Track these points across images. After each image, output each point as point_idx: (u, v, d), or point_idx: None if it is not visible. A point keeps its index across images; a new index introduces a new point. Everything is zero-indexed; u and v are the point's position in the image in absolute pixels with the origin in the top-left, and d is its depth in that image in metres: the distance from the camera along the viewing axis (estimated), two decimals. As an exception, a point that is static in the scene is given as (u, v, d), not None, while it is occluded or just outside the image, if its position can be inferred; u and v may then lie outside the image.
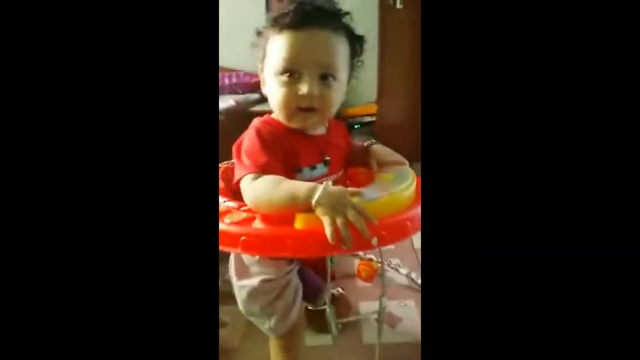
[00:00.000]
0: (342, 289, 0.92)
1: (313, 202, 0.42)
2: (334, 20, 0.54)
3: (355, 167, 0.69)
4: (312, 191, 0.43)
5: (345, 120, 2.23)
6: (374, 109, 2.16)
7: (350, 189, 0.47)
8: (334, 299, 0.90)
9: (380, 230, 0.43)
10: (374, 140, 0.68)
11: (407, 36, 1.94)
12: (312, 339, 0.78)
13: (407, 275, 1.02)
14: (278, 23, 0.52)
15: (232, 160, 0.60)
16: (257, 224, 0.45)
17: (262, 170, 0.50)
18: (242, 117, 1.56)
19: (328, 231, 0.40)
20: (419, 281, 0.99)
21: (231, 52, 2.20)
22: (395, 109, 2.10)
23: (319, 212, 0.42)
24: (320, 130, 0.61)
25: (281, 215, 0.46)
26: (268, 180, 0.49)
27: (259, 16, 2.26)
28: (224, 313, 0.88)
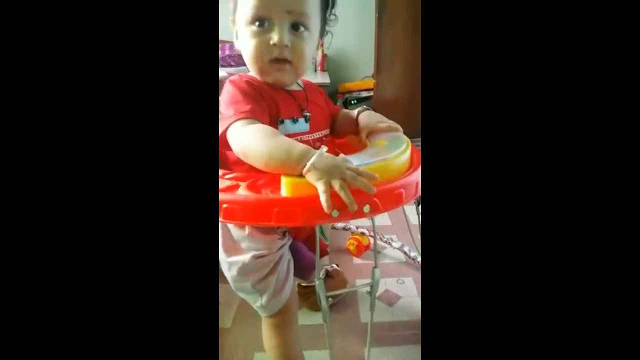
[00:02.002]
0: (337, 265, 0.90)
1: (308, 164, 0.39)
2: None
3: (345, 134, 0.66)
4: (307, 155, 0.40)
5: (341, 95, 2.18)
6: (370, 84, 2.10)
7: (343, 155, 0.44)
8: (329, 275, 0.89)
9: (372, 197, 0.40)
10: (365, 107, 0.65)
11: (405, 11, 1.87)
12: (306, 318, 0.76)
13: (400, 249, 1.01)
14: None
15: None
16: (242, 191, 0.42)
17: (250, 114, 0.47)
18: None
19: (323, 198, 0.38)
20: (412, 254, 0.97)
21: (225, 23, 2.13)
22: (393, 83, 2.05)
23: (311, 176, 0.39)
24: (296, 87, 0.59)
25: (268, 182, 0.43)
26: (261, 129, 0.46)
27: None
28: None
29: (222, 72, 1.44)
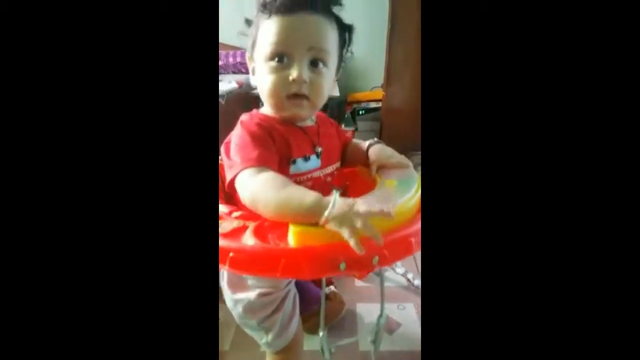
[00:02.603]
0: (335, 287, 0.90)
1: (325, 216, 0.39)
2: (325, 5, 0.51)
3: (355, 165, 0.66)
4: (320, 205, 0.40)
5: (350, 105, 2.17)
6: (379, 94, 2.09)
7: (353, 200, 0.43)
8: (327, 297, 0.88)
9: (381, 248, 0.40)
10: (377, 139, 0.64)
11: (417, 22, 1.86)
12: (304, 341, 0.76)
13: (404, 275, 1.00)
14: (267, 8, 0.50)
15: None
16: (248, 238, 0.42)
17: (257, 163, 0.47)
18: (245, 99, 1.51)
19: (352, 242, 0.37)
20: (416, 282, 0.96)
21: (236, 30, 2.14)
22: (402, 96, 2.03)
23: (332, 226, 0.39)
24: (310, 122, 0.59)
25: (275, 225, 0.43)
26: (270, 179, 0.45)
27: None
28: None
29: (232, 83, 1.44)
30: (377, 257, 0.40)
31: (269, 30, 0.50)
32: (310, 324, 0.81)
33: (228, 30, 2.12)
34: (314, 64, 0.51)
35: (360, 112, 2.16)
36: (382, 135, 2.11)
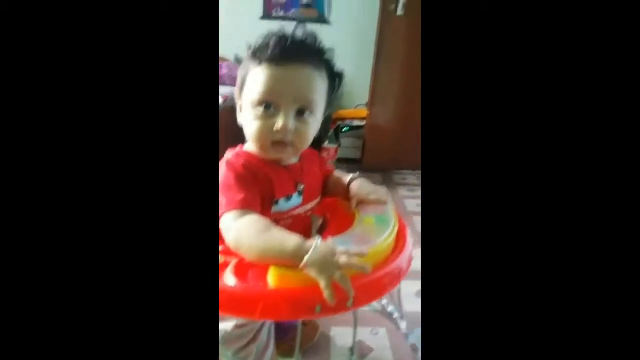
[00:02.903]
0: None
1: (305, 261, 0.40)
2: (316, 56, 0.53)
3: (335, 196, 0.67)
4: (301, 250, 0.41)
5: (334, 123, 2.21)
6: (363, 112, 2.14)
7: (338, 248, 0.43)
8: (302, 323, 0.90)
9: (355, 290, 0.42)
10: (358, 174, 0.66)
11: (404, 43, 1.92)
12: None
13: (378, 301, 1.02)
14: (257, 56, 0.51)
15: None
16: (229, 277, 0.43)
17: (241, 206, 0.48)
18: (230, 114, 1.52)
19: (327, 293, 0.39)
20: (389, 309, 0.99)
21: (222, 40, 2.14)
22: (386, 116, 2.09)
23: (310, 271, 0.40)
24: (294, 160, 0.60)
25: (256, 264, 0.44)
26: (253, 222, 0.46)
27: (254, 2, 2.19)
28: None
29: (219, 97, 1.44)
30: (351, 300, 0.42)
31: (258, 78, 0.51)
32: (284, 348, 0.82)
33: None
34: (300, 113, 0.52)
35: (344, 129, 2.20)
36: (365, 153, 2.15)
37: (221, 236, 0.52)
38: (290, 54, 0.50)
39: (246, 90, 0.53)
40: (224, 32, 2.26)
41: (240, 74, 0.55)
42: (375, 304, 1.02)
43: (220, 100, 1.43)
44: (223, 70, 1.92)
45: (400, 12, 1.82)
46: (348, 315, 0.97)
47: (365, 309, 1.02)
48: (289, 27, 0.53)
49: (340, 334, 0.91)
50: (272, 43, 0.50)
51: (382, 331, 0.94)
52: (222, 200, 0.49)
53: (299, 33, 0.52)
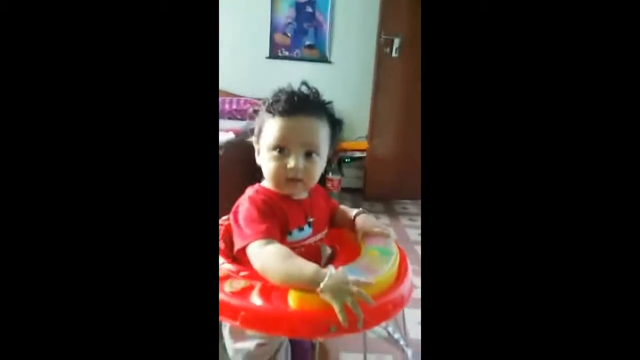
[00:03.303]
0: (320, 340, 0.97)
1: (321, 286, 0.48)
2: (318, 108, 0.65)
3: (342, 228, 0.76)
4: (318, 276, 0.49)
5: (336, 155, 2.31)
6: (364, 145, 2.25)
7: (350, 277, 0.51)
8: (313, 347, 0.95)
9: (364, 314, 0.49)
10: (362, 210, 0.75)
11: (399, 81, 2.07)
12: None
13: (385, 328, 1.08)
14: (271, 110, 0.63)
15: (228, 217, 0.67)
16: (255, 298, 0.50)
17: (264, 235, 0.57)
18: (241, 148, 1.61)
19: (341, 316, 0.46)
20: (395, 336, 1.04)
21: (234, 77, 2.30)
22: (384, 149, 2.20)
23: (325, 296, 0.48)
24: (303, 195, 0.70)
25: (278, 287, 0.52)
26: (276, 250, 0.55)
27: (262, 44, 2.33)
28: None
29: (229, 134, 1.55)
30: (361, 322, 0.49)
31: (272, 127, 0.62)
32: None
33: (225, 78, 2.25)
34: (308, 155, 0.63)
35: (346, 160, 2.30)
36: (366, 183, 2.25)
37: (247, 261, 0.60)
38: (298, 107, 0.61)
39: (263, 136, 0.64)
40: (233, 71, 2.41)
41: (257, 124, 0.66)
42: (382, 332, 1.07)
43: (232, 134, 1.53)
44: (233, 106, 2.05)
45: (395, 54, 1.97)
46: (357, 342, 1.02)
47: (372, 335, 1.07)
48: (295, 84, 0.65)
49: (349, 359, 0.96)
50: (283, 98, 0.62)
51: (389, 358, 0.99)
52: (247, 231, 0.58)
53: (304, 90, 0.64)
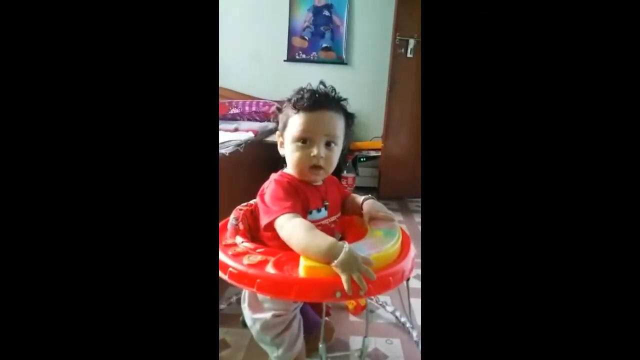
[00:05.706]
0: (328, 317, 1.03)
1: (336, 261, 0.55)
2: (336, 103, 0.74)
3: (352, 214, 0.83)
4: (335, 250, 0.56)
5: (352, 154, 2.37)
6: (379, 144, 2.30)
7: (359, 255, 0.57)
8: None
9: (367, 284, 0.55)
10: (369, 195, 0.81)
11: (414, 81, 2.10)
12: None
13: (392, 313, 1.12)
14: (296, 106, 0.72)
15: (250, 202, 0.76)
16: (270, 269, 0.57)
17: (290, 210, 0.65)
18: (259, 146, 1.70)
19: (346, 285, 0.53)
20: (402, 320, 1.08)
21: (253, 81, 2.40)
22: (398, 148, 2.24)
23: (337, 269, 0.54)
24: (320, 182, 0.78)
25: (289, 259, 0.59)
26: (301, 223, 0.63)
27: (280, 48, 2.42)
28: (226, 334, 0.98)
29: (249, 133, 1.64)
30: (364, 292, 0.55)
31: (297, 121, 0.71)
32: (308, 348, 0.94)
33: (245, 82, 2.34)
34: (328, 144, 0.72)
35: (362, 160, 2.35)
36: (380, 181, 2.29)
37: (263, 239, 0.66)
38: (319, 103, 0.71)
39: (287, 130, 0.73)
40: (253, 74, 2.49)
41: (282, 119, 0.75)
42: (391, 317, 1.12)
43: (251, 134, 1.62)
44: (252, 108, 2.14)
45: (410, 54, 2.01)
46: (365, 326, 1.07)
47: (381, 321, 1.12)
48: (314, 84, 0.75)
49: (357, 342, 1.01)
50: (306, 96, 0.71)
51: (397, 341, 1.04)
52: (274, 207, 0.66)
53: (323, 88, 0.73)
